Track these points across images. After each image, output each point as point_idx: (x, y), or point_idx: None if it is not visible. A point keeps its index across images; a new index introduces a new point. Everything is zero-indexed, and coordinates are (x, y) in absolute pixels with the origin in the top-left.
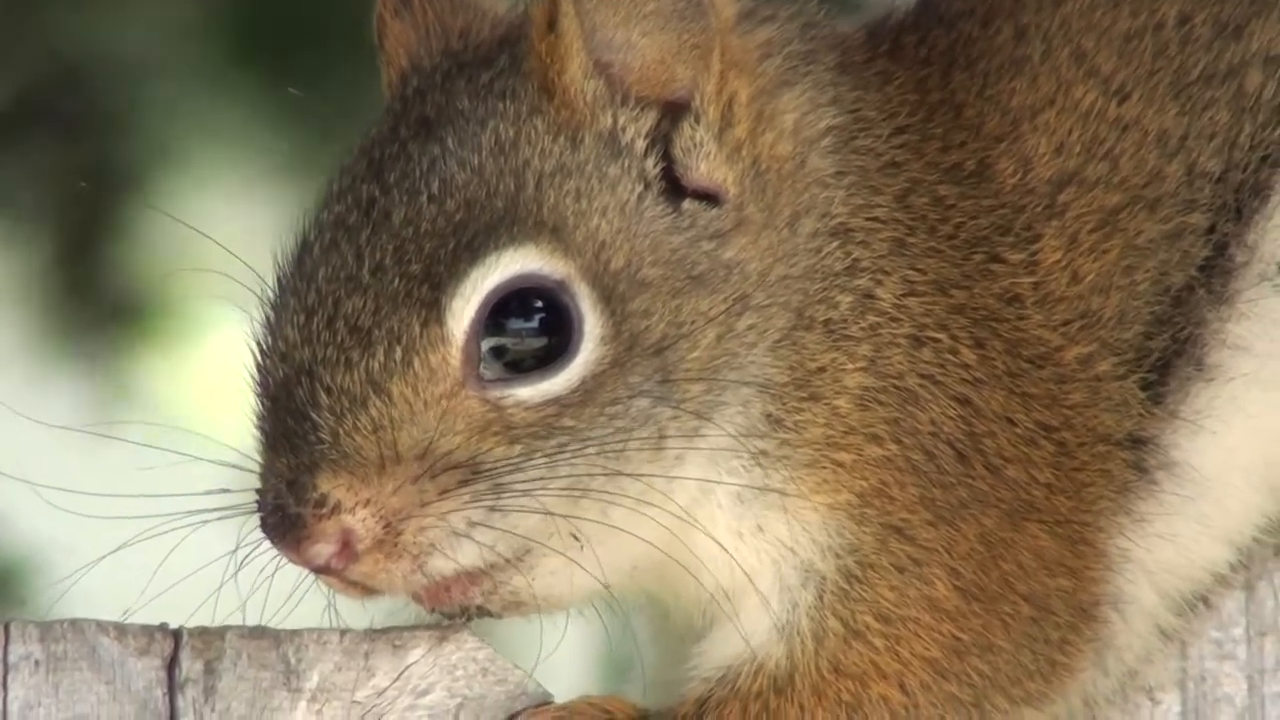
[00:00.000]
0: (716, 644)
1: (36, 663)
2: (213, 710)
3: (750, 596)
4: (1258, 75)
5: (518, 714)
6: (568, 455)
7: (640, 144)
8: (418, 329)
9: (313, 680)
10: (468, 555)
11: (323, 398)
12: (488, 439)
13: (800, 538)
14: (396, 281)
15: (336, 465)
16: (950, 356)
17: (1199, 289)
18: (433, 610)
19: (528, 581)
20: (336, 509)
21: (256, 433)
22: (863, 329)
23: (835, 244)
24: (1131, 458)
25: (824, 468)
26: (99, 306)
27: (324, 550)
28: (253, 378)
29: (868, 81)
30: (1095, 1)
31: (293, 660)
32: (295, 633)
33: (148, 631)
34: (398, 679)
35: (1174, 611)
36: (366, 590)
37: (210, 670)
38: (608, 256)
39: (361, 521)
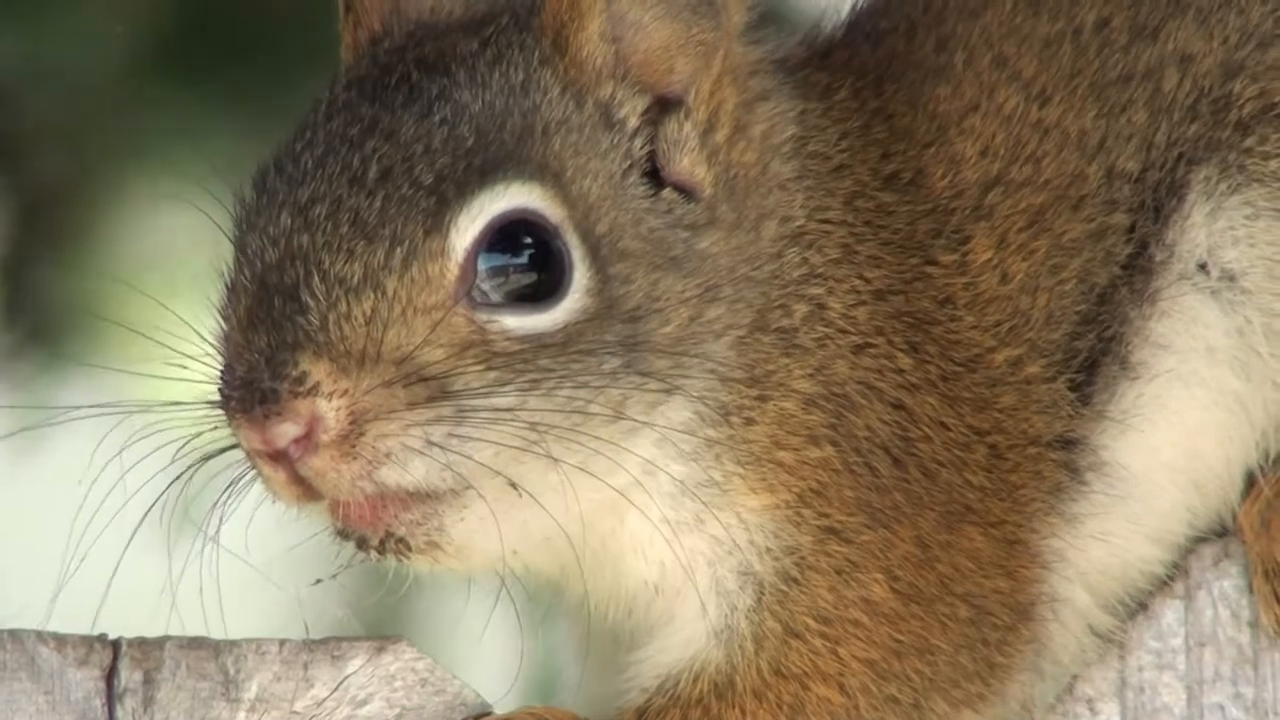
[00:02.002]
0: (653, 652)
1: None
2: None
3: (684, 600)
4: (1174, 75)
5: None
6: (537, 394)
7: (632, 123)
8: (420, 236)
9: (251, 690)
10: (417, 472)
11: (317, 282)
12: (466, 359)
13: (739, 537)
14: (405, 188)
15: (321, 348)
16: (887, 362)
17: (1122, 288)
18: (347, 534)
19: (456, 520)
20: (314, 390)
21: (225, 315)
22: (814, 340)
23: (794, 250)
24: (1062, 459)
25: (765, 466)
26: (28, 325)
27: (290, 430)
28: (233, 260)
29: (814, 93)
30: (1015, 8)
31: (231, 670)
32: (234, 643)
33: (87, 642)
34: (336, 689)
35: (1107, 611)
36: (305, 493)
37: (149, 680)
38: (596, 218)
39: (334, 410)
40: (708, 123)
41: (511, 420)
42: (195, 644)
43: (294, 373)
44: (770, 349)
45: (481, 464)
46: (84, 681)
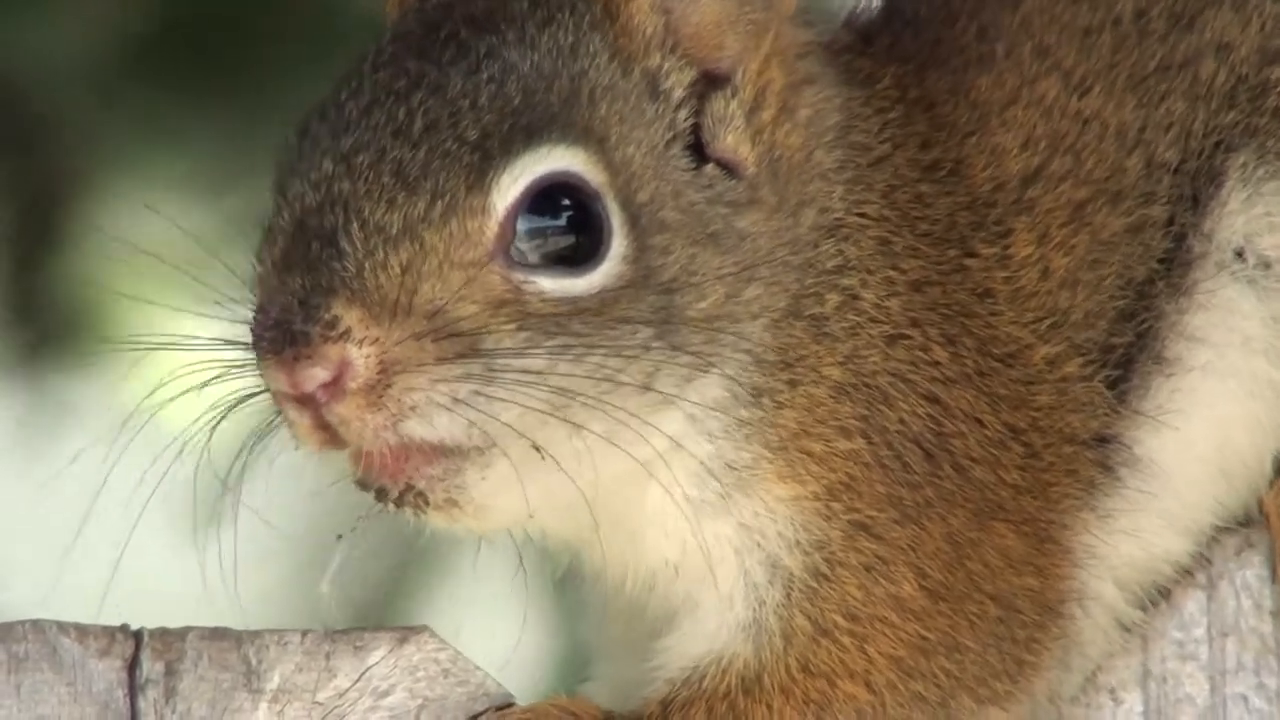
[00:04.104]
0: (681, 642)
1: None
2: (174, 711)
3: (709, 587)
4: (1211, 63)
5: (480, 715)
6: (568, 358)
7: (677, 94)
8: (463, 191)
9: (274, 681)
10: (442, 427)
11: (356, 229)
12: (499, 317)
13: (767, 528)
14: (449, 142)
15: (355, 295)
16: (922, 354)
17: (1159, 282)
18: (367, 484)
19: (478, 478)
20: (345, 335)
21: (262, 257)
22: (844, 328)
23: (830, 241)
24: (1097, 456)
25: (793, 454)
26: (37, 324)
27: (319, 374)
28: (273, 204)
29: (857, 79)
30: None
31: (254, 661)
32: (256, 634)
33: (109, 632)
34: (359, 680)
35: (1134, 605)
36: (330, 439)
37: (171, 671)
38: (637, 186)
39: (364, 357)
40: (754, 102)
41: (540, 383)
42: (217, 635)
43: (326, 316)
44: (802, 334)
45: (506, 425)
46: (106, 672)
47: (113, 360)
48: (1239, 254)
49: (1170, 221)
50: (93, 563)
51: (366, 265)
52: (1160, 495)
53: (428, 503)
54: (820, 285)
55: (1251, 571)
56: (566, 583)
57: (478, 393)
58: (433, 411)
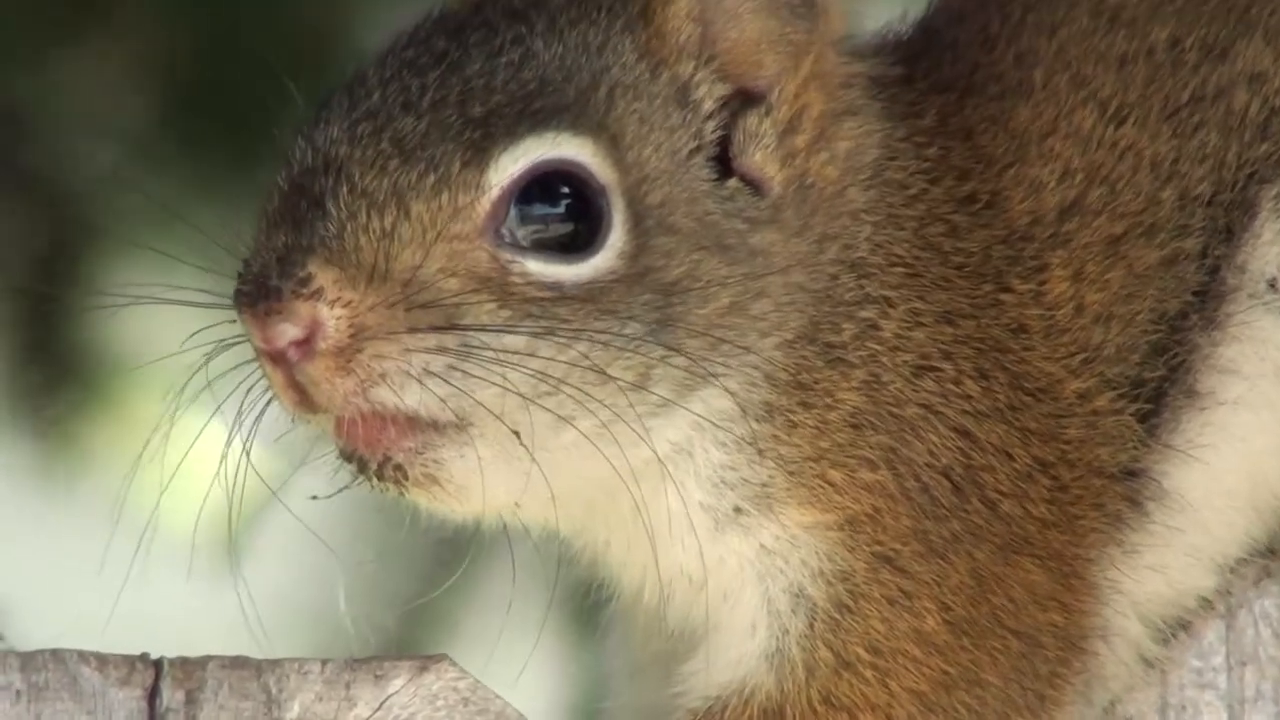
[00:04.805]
0: (703, 670)
1: (18, 693)
2: None
3: (732, 610)
4: (1243, 94)
5: None
6: (550, 342)
7: (708, 105)
8: (457, 165)
9: (294, 710)
10: (411, 398)
11: (344, 191)
12: (481, 294)
13: (790, 555)
14: (453, 118)
15: (332, 256)
16: (953, 387)
17: (1192, 315)
18: (348, 455)
19: (455, 456)
20: (317, 295)
21: (259, 214)
22: (861, 356)
23: (850, 275)
24: (1125, 490)
25: (812, 480)
26: (54, 365)
27: (288, 331)
28: (281, 165)
29: (899, 112)
30: (1091, 25)
31: (274, 690)
32: (276, 662)
33: (129, 661)
34: (379, 709)
35: (1157, 641)
36: (302, 400)
37: (191, 700)
38: (648, 189)
39: (335, 318)
40: (789, 124)
41: (519, 365)
42: (237, 663)
43: (300, 274)
44: (815, 359)
45: (480, 404)
46: (126, 701)
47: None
48: (1271, 285)
49: (1204, 254)
50: (112, 592)
51: (348, 227)
52: (1188, 530)
53: (406, 477)
54: (837, 315)
55: (1270, 601)
56: (594, 609)
57: (452, 367)
58: (403, 381)
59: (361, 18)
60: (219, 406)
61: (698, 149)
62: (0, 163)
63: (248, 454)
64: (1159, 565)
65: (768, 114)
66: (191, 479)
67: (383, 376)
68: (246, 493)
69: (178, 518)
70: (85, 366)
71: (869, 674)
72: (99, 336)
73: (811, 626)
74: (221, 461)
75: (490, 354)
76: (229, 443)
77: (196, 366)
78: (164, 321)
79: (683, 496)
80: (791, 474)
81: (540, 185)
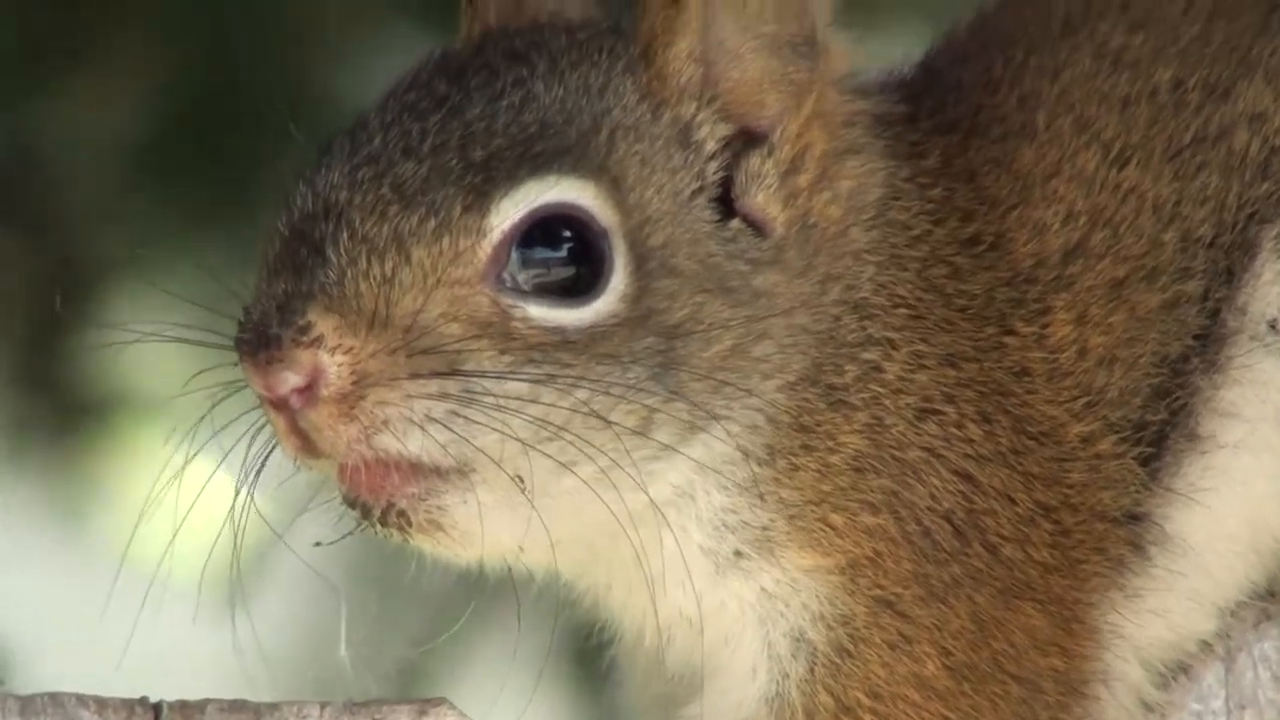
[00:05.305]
0: (703, 715)
1: None
2: None
3: (733, 653)
4: (1244, 134)
5: None
6: (552, 388)
7: (710, 146)
8: (458, 210)
9: None
10: (414, 445)
11: (344, 237)
12: (482, 340)
13: (790, 598)
14: (454, 162)
15: (332, 303)
16: (955, 431)
17: (1194, 358)
18: (352, 501)
19: (459, 502)
20: (318, 342)
21: (260, 261)
22: (863, 398)
23: (853, 317)
24: (1127, 534)
25: (813, 524)
26: (63, 401)
27: (290, 379)
28: (281, 210)
29: (903, 152)
30: (1094, 67)
31: None
32: (275, 706)
33: (128, 704)
34: None
35: (1157, 685)
36: (305, 445)
37: None
38: (650, 230)
39: (336, 365)
40: (791, 164)
41: (521, 411)
42: (236, 706)
43: (301, 321)
44: (818, 401)
45: (481, 450)
46: None
47: (135, 440)
48: (1272, 326)
49: (1205, 297)
50: (116, 634)
51: (348, 274)
52: (1189, 574)
53: (410, 523)
54: (839, 356)
55: (1270, 644)
56: (595, 652)
57: (454, 413)
58: (406, 427)
59: (356, 56)
60: (226, 454)
61: (700, 190)
62: (5, 195)
63: (252, 498)
64: (1160, 609)
65: (770, 154)
66: (196, 522)
67: (385, 423)
68: (250, 536)
69: (182, 561)
70: (91, 404)
71: (869, 718)
72: (105, 373)
73: (812, 670)
74: (230, 511)
75: (492, 400)
76: (236, 488)
77: (202, 413)
78: (171, 359)
79: (682, 540)
80: (793, 517)
81: (542, 229)
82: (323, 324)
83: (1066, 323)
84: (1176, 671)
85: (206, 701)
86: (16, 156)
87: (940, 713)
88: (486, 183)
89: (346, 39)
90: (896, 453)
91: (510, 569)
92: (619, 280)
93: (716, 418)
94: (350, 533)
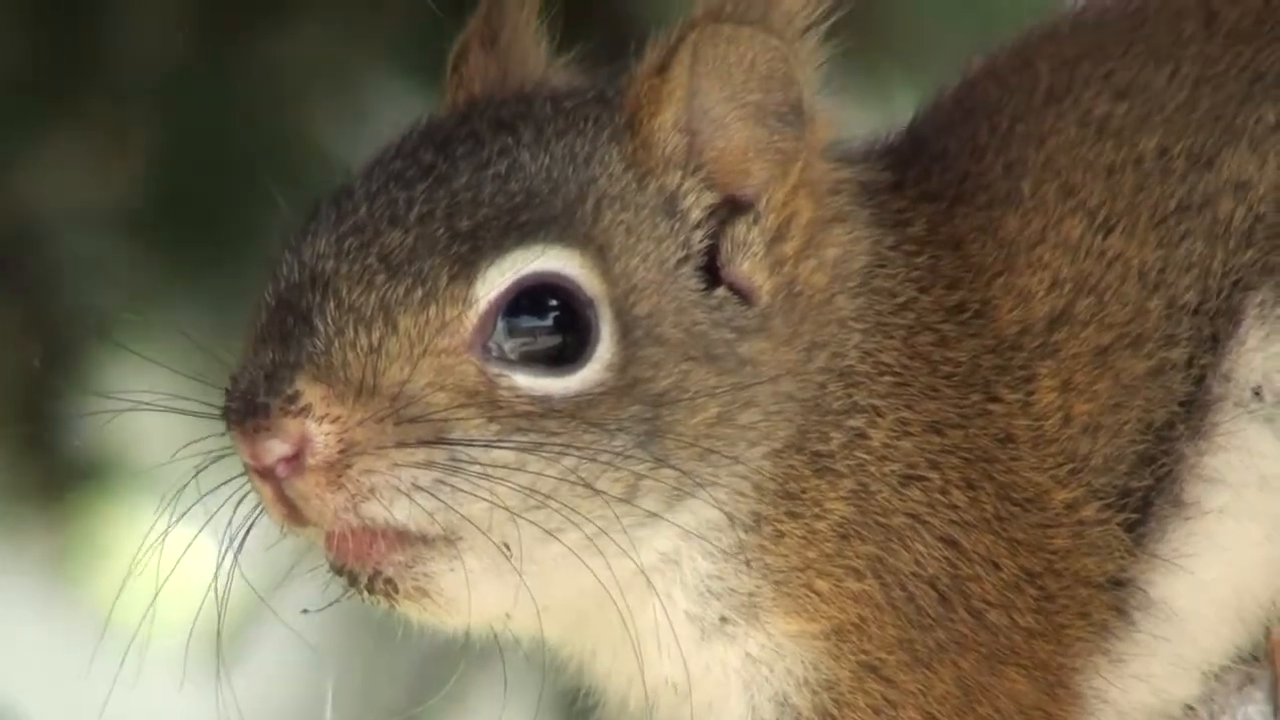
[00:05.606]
0: None
1: None
2: None
3: (718, 715)
4: (1229, 202)
5: None
6: (538, 457)
7: (695, 215)
8: (445, 279)
9: None
10: (402, 513)
11: (331, 307)
12: (469, 409)
13: (775, 663)
14: (440, 232)
15: (320, 372)
16: (940, 497)
17: (1179, 425)
18: (339, 568)
19: (445, 569)
20: (305, 411)
21: (247, 330)
22: (849, 465)
23: (839, 384)
24: (1112, 600)
25: (798, 590)
26: (51, 464)
27: (277, 448)
28: (268, 280)
29: (888, 220)
30: (1080, 135)
31: None
32: None
33: None
34: None
35: None
36: (292, 514)
37: None
38: (635, 299)
39: (324, 434)
40: (777, 232)
41: (506, 479)
42: None
43: (288, 391)
44: (803, 468)
45: (468, 518)
46: None
47: (129, 503)
48: (1256, 392)
49: (1190, 363)
50: (102, 698)
51: (335, 343)
52: (1174, 640)
53: (397, 590)
54: (825, 423)
55: (1254, 707)
56: (580, 717)
57: (441, 482)
58: (393, 496)
59: (345, 119)
60: (209, 519)
61: (685, 259)
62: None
63: (237, 563)
64: (1145, 674)
65: (755, 222)
66: (183, 587)
67: (372, 491)
68: (236, 602)
69: (168, 626)
70: (79, 467)
71: None
72: (94, 438)
73: None
74: (215, 576)
75: (478, 469)
76: (220, 554)
77: (186, 480)
78: (160, 425)
79: (668, 606)
80: (778, 584)
81: (528, 298)
82: (310, 393)
83: (1051, 390)
84: None
85: None
86: (4, 219)
87: None
88: (473, 252)
89: (336, 100)
90: (881, 519)
91: (496, 635)
92: (605, 349)
93: (703, 485)
94: (337, 600)
